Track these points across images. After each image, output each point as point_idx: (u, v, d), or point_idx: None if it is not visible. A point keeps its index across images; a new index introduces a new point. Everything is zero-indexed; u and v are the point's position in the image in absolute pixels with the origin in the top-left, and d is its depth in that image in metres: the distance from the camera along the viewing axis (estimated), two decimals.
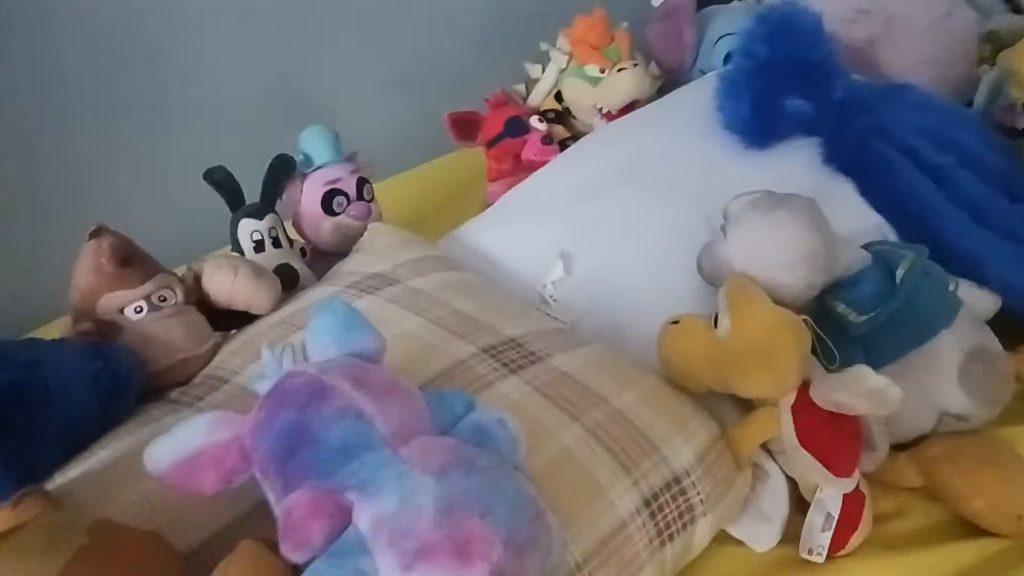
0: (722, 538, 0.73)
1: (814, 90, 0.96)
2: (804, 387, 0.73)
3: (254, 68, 1.34)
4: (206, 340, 0.79)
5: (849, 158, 0.95)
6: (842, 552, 0.73)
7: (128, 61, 1.23)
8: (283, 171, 0.97)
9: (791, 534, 0.73)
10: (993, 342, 0.82)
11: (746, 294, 0.73)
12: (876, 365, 0.73)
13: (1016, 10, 1.27)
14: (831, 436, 0.73)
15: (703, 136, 1.00)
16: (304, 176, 1.00)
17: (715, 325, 0.74)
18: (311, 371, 0.56)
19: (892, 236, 0.91)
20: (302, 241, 1.01)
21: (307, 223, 1.00)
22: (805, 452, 0.72)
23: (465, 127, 1.23)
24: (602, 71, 1.23)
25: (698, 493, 0.68)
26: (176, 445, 0.52)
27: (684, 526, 0.67)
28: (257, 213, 0.93)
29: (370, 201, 1.02)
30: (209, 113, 1.30)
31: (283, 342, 0.75)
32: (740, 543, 0.74)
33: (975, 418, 0.79)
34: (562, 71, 1.26)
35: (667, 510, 0.67)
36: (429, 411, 0.58)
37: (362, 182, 1.01)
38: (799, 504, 0.74)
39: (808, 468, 0.73)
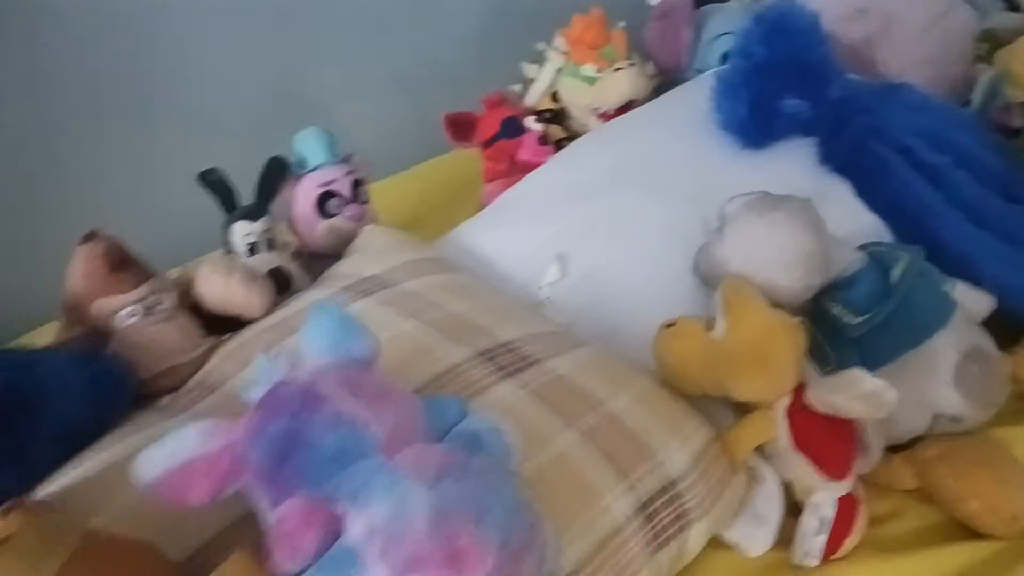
0: (716, 542, 0.73)
1: (811, 90, 0.96)
2: (799, 390, 0.73)
3: (250, 69, 1.33)
4: (198, 345, 0.78)
5: (845, 158, 0.95)
6: (836, 556, 0.73)
7: (121, 61, 1.22)
8: (277, 173, 0.97)
9: (785, 537, 0.73)
10: (988, 343, 0.82)
11: (742, 296, 0.73)
12: (872, 366, 0.74)
13: (1013, 8, 1.26)
14: (826, 439, 0.73)
15: (700, 136, 1.00)
16: (299, 178, 0.99)
17: (711, 327, 0.73)
18: (304, 378, 0.56)
19: (888, 237, 0.90)
20: (296, 243, 1.01)
21: (301, 225, 1.00)
22: (800, 455, 0.72)
23: (461, 127, 1.22)
24: (599, 70, 1.23)
25: (693, 497, 0.68)
26: (166, 455, 0.52)
27: (679, 531, 0.67)
28: (252, 215, 0.93)
29: (365, 203, 1.01)
30: (204, 114, 1.29)
31: (276, 348, 0.75)
32: (734, 548, 0.74)
33: (970, 419, 0.79)
34: (559, 71, 1.25)
35: (662, 515, 0.67)
36: (423, 417, 0.57)
37: (357, 184, 1.00)
38: (793, 507, 0.74)
39: (803, 471, 0.73)
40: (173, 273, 0.85)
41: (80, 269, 0.76)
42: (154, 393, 0.76)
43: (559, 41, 1.26)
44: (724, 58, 1.18)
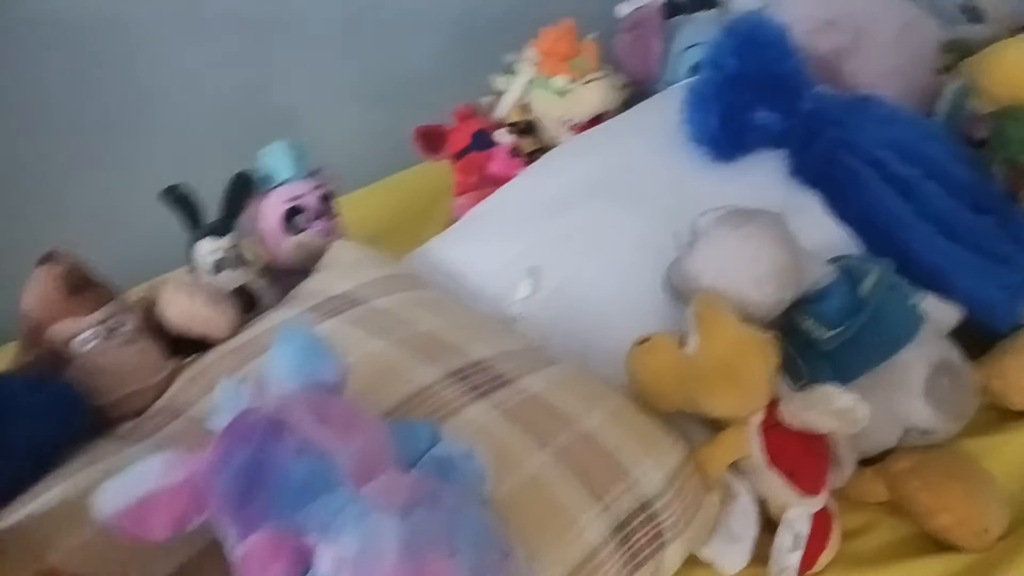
0: (692, 560, 0.73)
1: (782, 102, 0.96)
2: (773, 405, 0.73)
3: (217, 82, 1.31)
4: (161, 369, 0.77)
5: (816, 171, 0.95)
6: (811, 571, 0.73)
7: (83, 73, 1.19)
8: (243, 188, 0.95)
9: (761, 554, 0.73)
10: (956, 355, 0.82)
11: (714, 311, 0.73)
12: (844, 380, 0.74)
13: (975, 19, 1.28)
14: (800, 454, 0.73)
15: (672, 148, 1.00)
16: (265, 193, 0.98)
17: (684, 343, 0.73)
18: (270, 405, 0.54)
19: (858, 249, 0.91)
20: (265, 259, 0.99)
21: (269, 241, 0.98)
22: (775, 471, 0.72)
23: (431, 140, 1.21)
24: (571, 82, 1.22)
25: (669, 516, 0.68)
26: (126, 488, 0.50)
27: (655, 551, 0.67)
28: (217, 232, 0.91)
29: (334, 217, 1.00)
30: (170, 127, 1.27)
31: (242, 371, 0.73)
32: (709, 566, 0.73)
33: (941, 432, 0.80)
34: (530, 83, 1.25)
35: (638, 535, 0.66)
36: (393, 443, 0.56)
37: (325, 198, 0.99)
38: (769, 524, 0.74)
39: (778, 487, 0.72)
40: (137, 292, 0.82)
41: (37, 292, 0.74)
42: (117, 418, 0.74)
43: (530, 53, 1.25)
44: (694, 70, 1.18)
